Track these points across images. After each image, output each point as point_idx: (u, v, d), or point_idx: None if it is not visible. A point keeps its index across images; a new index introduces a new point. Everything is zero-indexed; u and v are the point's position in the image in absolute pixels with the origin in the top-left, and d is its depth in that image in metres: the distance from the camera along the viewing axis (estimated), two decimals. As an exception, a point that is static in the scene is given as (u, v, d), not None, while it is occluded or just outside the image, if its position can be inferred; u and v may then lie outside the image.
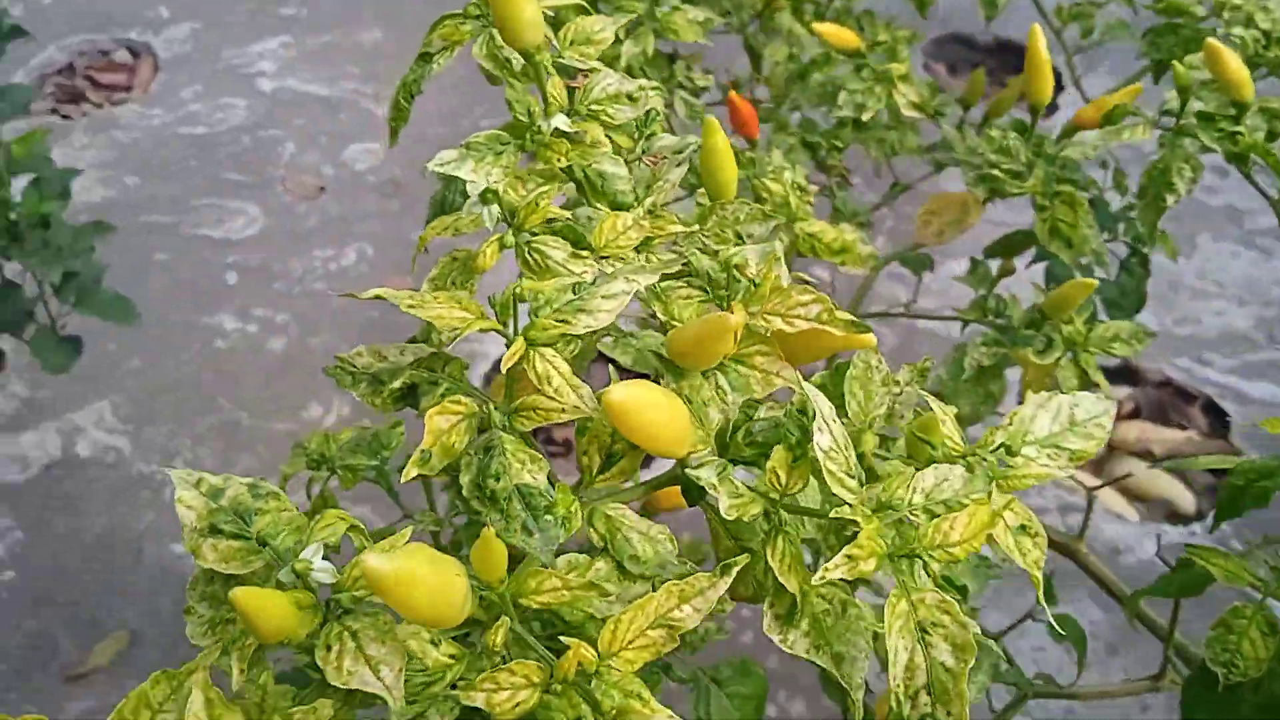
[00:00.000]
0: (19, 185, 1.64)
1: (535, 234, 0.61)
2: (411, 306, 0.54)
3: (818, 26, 1.09)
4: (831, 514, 0.50)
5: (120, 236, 2.28)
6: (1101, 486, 0.91)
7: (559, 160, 0.65)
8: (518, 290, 0.54)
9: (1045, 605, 0.59)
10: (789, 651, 0.51)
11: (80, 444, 2.00)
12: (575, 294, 0.55)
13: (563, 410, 0.53)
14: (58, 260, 1.65)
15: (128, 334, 2.07)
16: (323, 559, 0.48)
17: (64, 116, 2.63)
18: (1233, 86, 0.77)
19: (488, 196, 0.62)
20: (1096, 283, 0.78)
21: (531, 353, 0.53)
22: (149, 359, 2.12)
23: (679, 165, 0.68)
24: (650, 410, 0.50)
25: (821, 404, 0.51)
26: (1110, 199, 1.05)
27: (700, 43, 1.00)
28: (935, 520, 0.50)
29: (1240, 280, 2.15)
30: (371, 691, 0.45)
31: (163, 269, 2.28)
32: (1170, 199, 0.79)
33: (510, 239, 0.60)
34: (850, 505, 0.50)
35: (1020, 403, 0.59)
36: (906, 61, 1.05)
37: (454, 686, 0.48)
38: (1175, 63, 0.79)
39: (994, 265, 1.03)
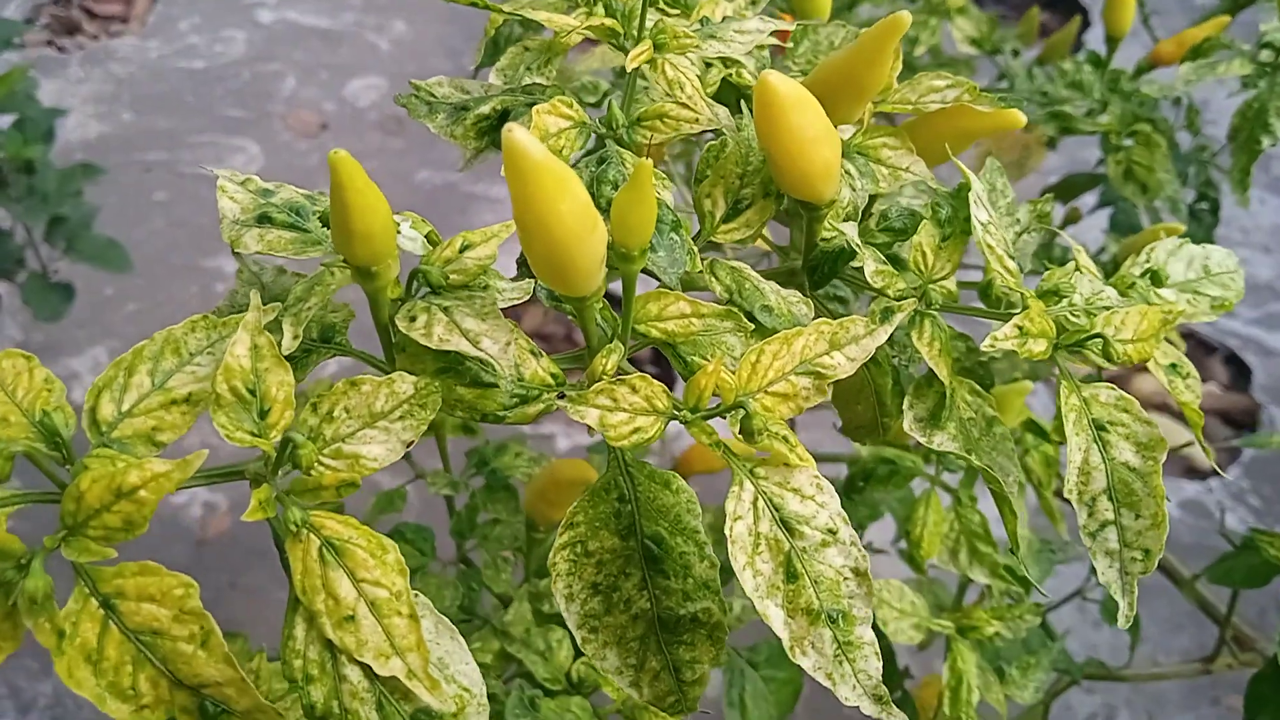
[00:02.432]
0: (4, 122, 1.55)
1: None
2: (517, 9, 0.49)
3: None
4: (996, 287, 0.44)
5: (116, 174, 2.18)
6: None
7: None
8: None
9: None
10: (936, 449, 0.44)
11: (76, 390, 1.92)
12: (703, 26, 0.50)
13: (696, 119, 0.46)
14: (43, 206, 1.56)
15: (125, 277, 1.99)
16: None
17: (59, 49, 2.52)
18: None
19: None
20: (1183, 227, 0.71)
21: (660, 59, 0.47)
22: (147, 303, 2.04)
23: None
24: (810, 111, 0.41)
25: (976, 182, 0.45)
26: (1180, 141, 0.96)
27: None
28: (1106, 313, 0.45)
29: (1267, 228, 2.06)
30: (472, 356, 0.37)
31: (160, 209, 2.19)
32: (1266, 142, 0.71)
33: (599, 11, 0.51)
34: (1011, 283, 0.44)
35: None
36: (968, -2, 0.96)
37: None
38: (1283, -12, 0.70)
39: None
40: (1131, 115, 0.77)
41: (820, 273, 0.48)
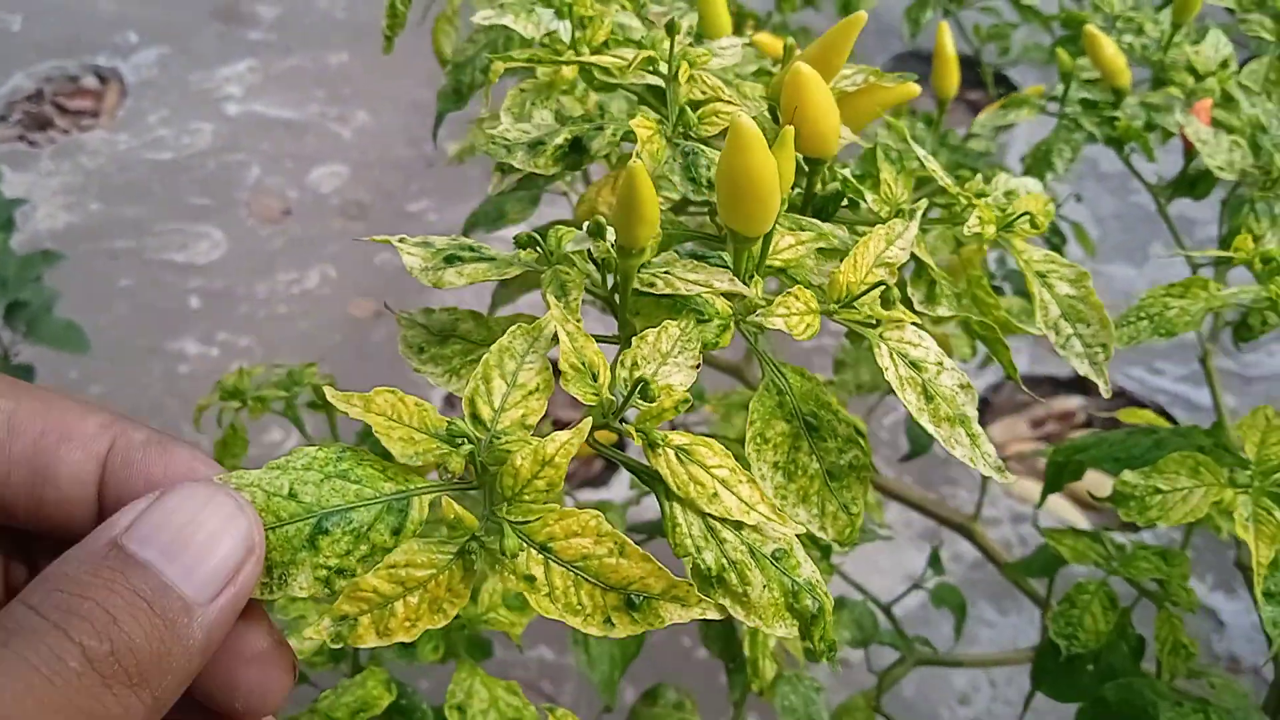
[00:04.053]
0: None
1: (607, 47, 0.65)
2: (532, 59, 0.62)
3: (753, 36, 1.14)
4: (951, 190, 0.60)
5: (83, 262, 2.31)
6: (1009, 460, 0.95)
7: (587, 10, 0.68)
8: (671, 22, 0.59)
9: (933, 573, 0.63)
10: (939, 316, 0.58)
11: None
12: (694, 45, 0.62)
13: (742, 105, 0.59)
14: (2, 292, 1.68)
15: (89, 361, 2.10)
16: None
17: (31, 143, 2.67)
18: (1110, 74, 0.81)
19: (562, 10, 0.66)
20: (985, 247, 0.83)
21: (694, 72, 0.60)
22: (111, 386, 2.15)
23: (686, 15, 0.71)
24: (826, 94, 0.55)
25: (905, 134, 0.62)
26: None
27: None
28: (1016, 202, 0.62)
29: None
30: (718, 290, 0.48)
31: (125, 295, 2.32)
32: (1049, 176, 0.84)
33: (585, 52, 0.64)
34: (956, 189, 0.61)
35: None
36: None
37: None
38: (1059, 49, 0.83)
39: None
40: (955, 163, 0.90)
41: (826, 213, 0.61)
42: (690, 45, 0.63)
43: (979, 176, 0.62)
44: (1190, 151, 0.85)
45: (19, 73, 2.83)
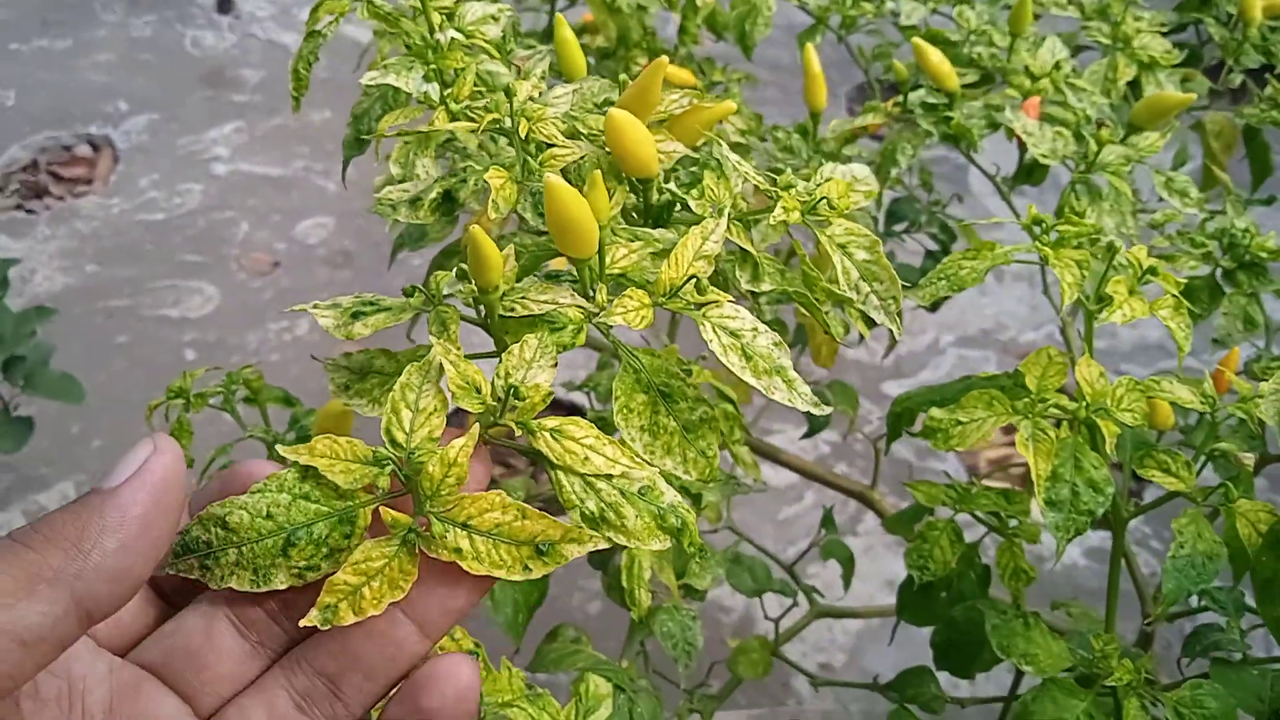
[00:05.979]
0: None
1: (471, 102, 0.79)
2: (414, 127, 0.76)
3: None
4: (760, 187, 0.72)
5: (80, 321, 2.49)
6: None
7: (457, 64, 0.83)
8: (508, 87, 0.73)
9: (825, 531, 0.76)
10: (763, 291, 0.70)
11: (45, 519, 2.17)
12: (535, 101, 0.74)
13: (574, 151, 0.71)
14: (0, 347, 1.86)
15: (89, 416, 2.25)
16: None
17: (28, 211, 2.85)
18: (938, 79, 0.96)
19: (429, 76, 0.81)
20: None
21: (534, 126, 0.72)
22: (111, 438, 2.30)
23: (541, 60, 0.84)
24: (639, 129, 0.68)
25: (722, 145, 0.73)
26: (920, 196, 1.24)
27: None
28: (819, 188, 0.71)
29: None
30: (562, 306, 0.61)
31: (123, 351, 2.48)
32: (894, 171, 0.99)
33: (454, 105, 0.77)
34: (766, 185, 0.72)
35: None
36: (738, 97, 1.25)
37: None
38: (894, 61, 0.98)
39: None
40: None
41: (660, 221, 0.73)
42: (531, 99, 0.76)
43: (789, 170, 0.76)
44: (1024, 144, 0.99)
45: (14, 144, 3.03)
